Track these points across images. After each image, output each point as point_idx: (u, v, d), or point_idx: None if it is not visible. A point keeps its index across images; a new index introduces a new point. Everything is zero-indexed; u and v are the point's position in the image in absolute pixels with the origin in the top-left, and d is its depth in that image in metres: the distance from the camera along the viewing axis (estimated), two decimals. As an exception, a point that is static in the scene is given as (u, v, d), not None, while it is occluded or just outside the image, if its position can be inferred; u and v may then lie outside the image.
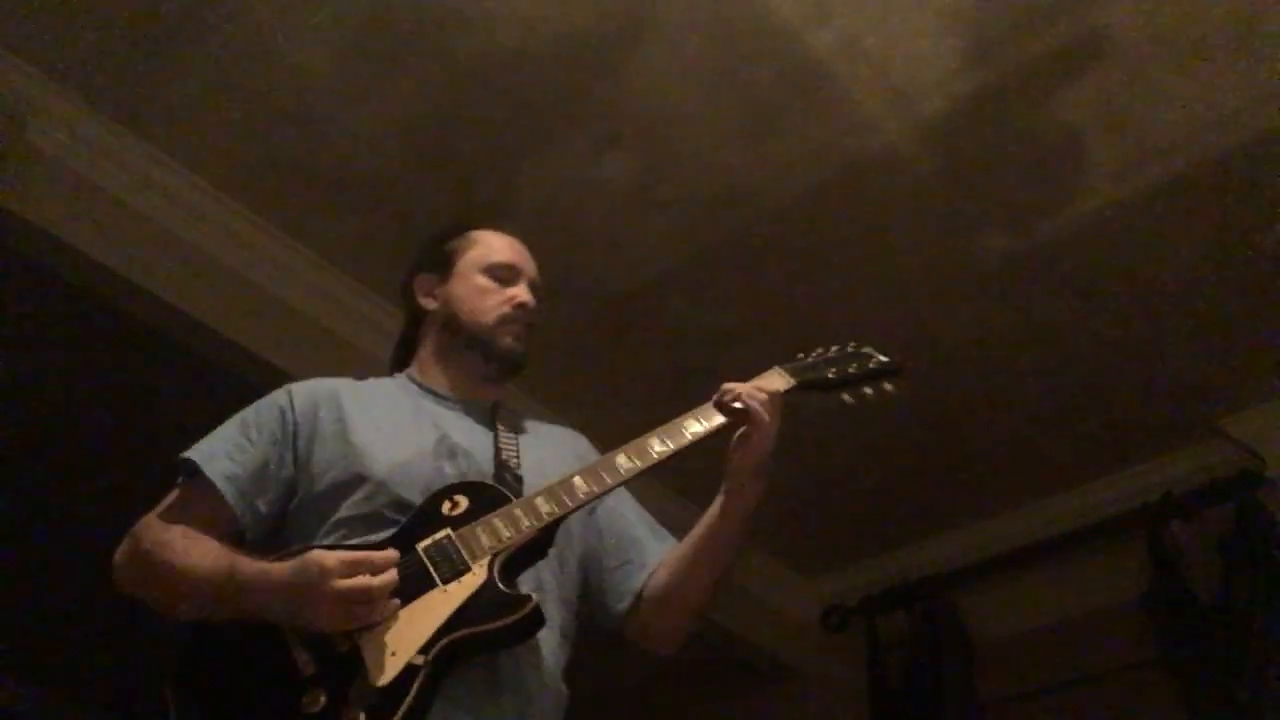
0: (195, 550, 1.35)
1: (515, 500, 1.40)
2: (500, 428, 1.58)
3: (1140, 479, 3.36)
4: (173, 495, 1.45)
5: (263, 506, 1.43)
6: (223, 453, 1.44)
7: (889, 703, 3.60)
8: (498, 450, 1.52)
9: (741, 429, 1.47)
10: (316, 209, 2.76)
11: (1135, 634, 3.17)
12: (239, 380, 2.90)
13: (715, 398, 1.49)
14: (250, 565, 1.31)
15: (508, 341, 1.61)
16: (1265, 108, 2.40)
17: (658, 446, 1.46)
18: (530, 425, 1.67)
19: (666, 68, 2.40)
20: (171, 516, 1.42)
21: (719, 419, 1.49)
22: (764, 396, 1.45)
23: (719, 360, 3.08)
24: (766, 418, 1.44)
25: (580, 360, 3.16)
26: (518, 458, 1.52)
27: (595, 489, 1.41)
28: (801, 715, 3.91)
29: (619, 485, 1.44)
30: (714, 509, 1.51)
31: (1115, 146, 2.52)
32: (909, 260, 2.83)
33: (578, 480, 1.42)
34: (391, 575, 1.26)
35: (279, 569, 1.29)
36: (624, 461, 1.44)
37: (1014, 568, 3.53)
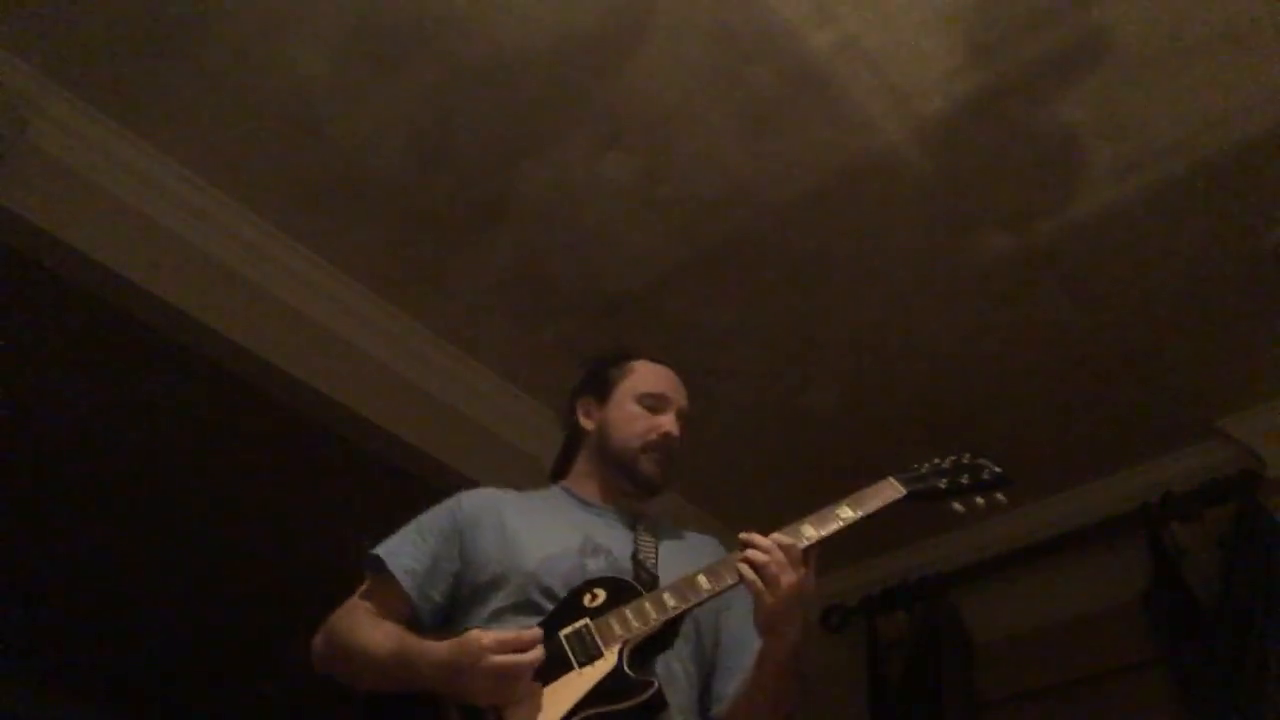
0: (377, 632, 1.57)
1: (645, 594, 1.56)
2: (641, 531, 1.75)
3: (1140, 479, 3.36)
4: (362, 588, 1.69)
5: (436, 596, 1.65)
6: (403, 550, 1.68)
7: (889, 702, 3.60)
8: (636, 550, 1.70)
9: None
10: (316, 208, 2.76)
11: (1135, 634, 3.17)
12: (238, 380, 2.91)
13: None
14: (417, 644, 1.52)
15: (649, 468, 1.79)
16: (1265, 108, 2.40)
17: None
18: (670, 531, 1.83)
19: (666, 68, 2.40)
20: (360, 605, 1.65)
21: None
22: (769, 566, 1.49)
23: (719, 360, 3.08)
24: (763, 587, 1.49)
25: (580, 360, 3.16)
26: (655, 558, 1.69)
27: (716, 586, 1.54)
28: (801, 715, 3.91)
29: (738, 584, 1.53)
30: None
31: (1115, 146, 2.53)
32: (909, 260, 2.83)
33: (701, 578, 1.55)
34: (538, 653, 1.43)
35: (440, 647, 1.48)
36: (729, 575, 1.55)
37: (1014, 568, 3.53)
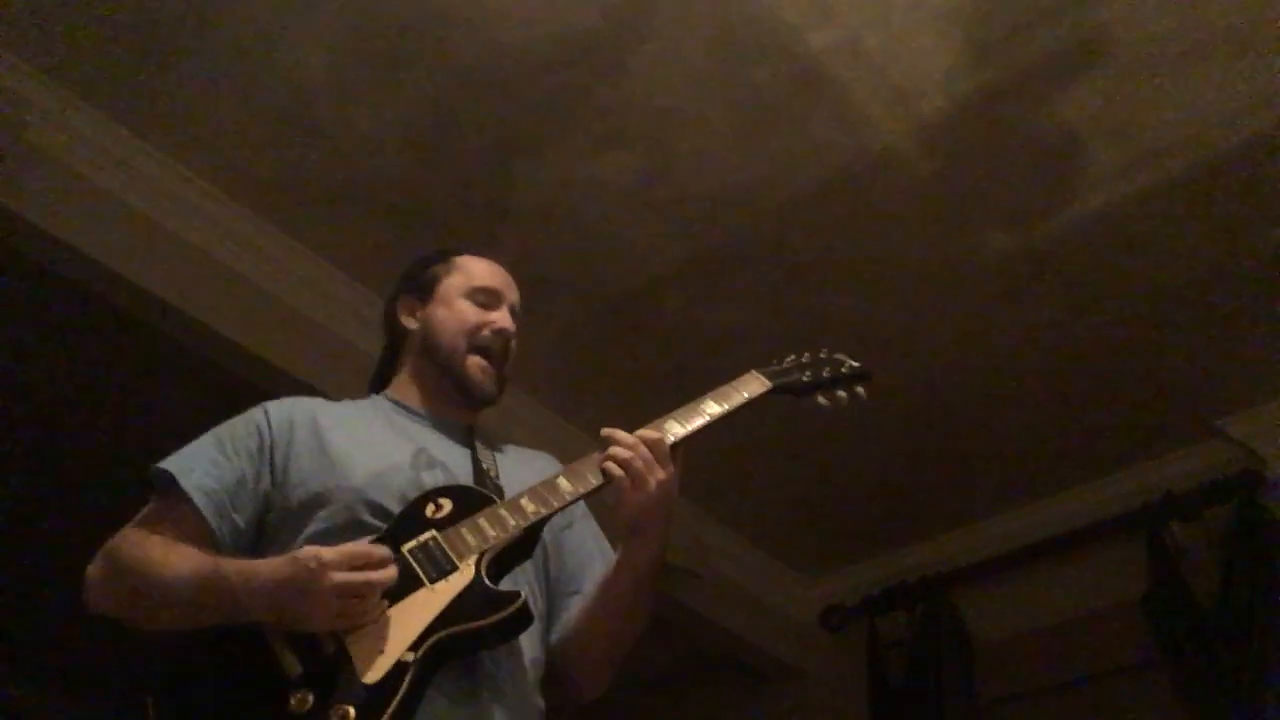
0: (174, 555, 1.34)
1: (500, 502, 1.41)
2: (477, 445, 1.59)
3: (1140, 479, 3.37)
4: (147, 509, 1.44)
5: (240, 521, 1.41)
6: (199, 467, 1.43)
7: (889, 703, 3.60)
8: (476, 463, 1.54)
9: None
10: (316, 208, 2.76)
11: (1135, 634, 3.17)
12: (238, 379, 2.90)
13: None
14: (235, 564, 1.30)
15: (478, 375, 1.61)
16: (1265, 108, 2.40)
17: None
18: (505, 447, 1.68)
19: (666, 68, 2.40)
20: (147, 529, 1.40)
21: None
22: (634, 462, 1.39)
23: (718, 360, 3.07)
24: (630, 484, 1.38)
25: (580, 360, 3.17)
26: (496, 471, 1.54)
27: (579, 488, 1.42)
28: (801, 715, 3.91)
29: (605, 484, 1.42)
30: (612, 561, 1.49)
31: (1115, 146, 2.53)
32: (909, 260, 2.83)
33: (563, 480, 1.43)
34: (392, 571, 1.26)
35: (269, 564, 1.28)
36: (593, 475, 1.43)
37: (1014, 568, 3.54)
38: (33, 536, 3.80)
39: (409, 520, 1.37)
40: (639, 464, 1.38)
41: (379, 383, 1.72)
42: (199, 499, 1.39)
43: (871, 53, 2.35)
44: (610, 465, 1.39)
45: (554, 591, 1.55)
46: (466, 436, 1.61)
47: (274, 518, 1.43)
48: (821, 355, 1.72)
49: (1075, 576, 3.42)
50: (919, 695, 3.50)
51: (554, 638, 1.52)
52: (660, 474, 1.39)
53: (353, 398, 1.68)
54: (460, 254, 1.78)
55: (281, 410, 1.54)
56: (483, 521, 1.37)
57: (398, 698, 1.21)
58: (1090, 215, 2.67)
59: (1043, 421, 3.27)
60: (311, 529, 1.39)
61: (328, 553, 1.24)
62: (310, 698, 1.21)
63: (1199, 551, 3.17)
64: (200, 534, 1.38)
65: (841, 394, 1.69)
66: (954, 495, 3.56)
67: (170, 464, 1.44)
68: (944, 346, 3.03)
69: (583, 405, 3.28)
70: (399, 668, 1.23)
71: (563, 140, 2.57)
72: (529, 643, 1.42)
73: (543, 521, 1.40)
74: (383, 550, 1.28)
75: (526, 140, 2.57)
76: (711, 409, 1.52)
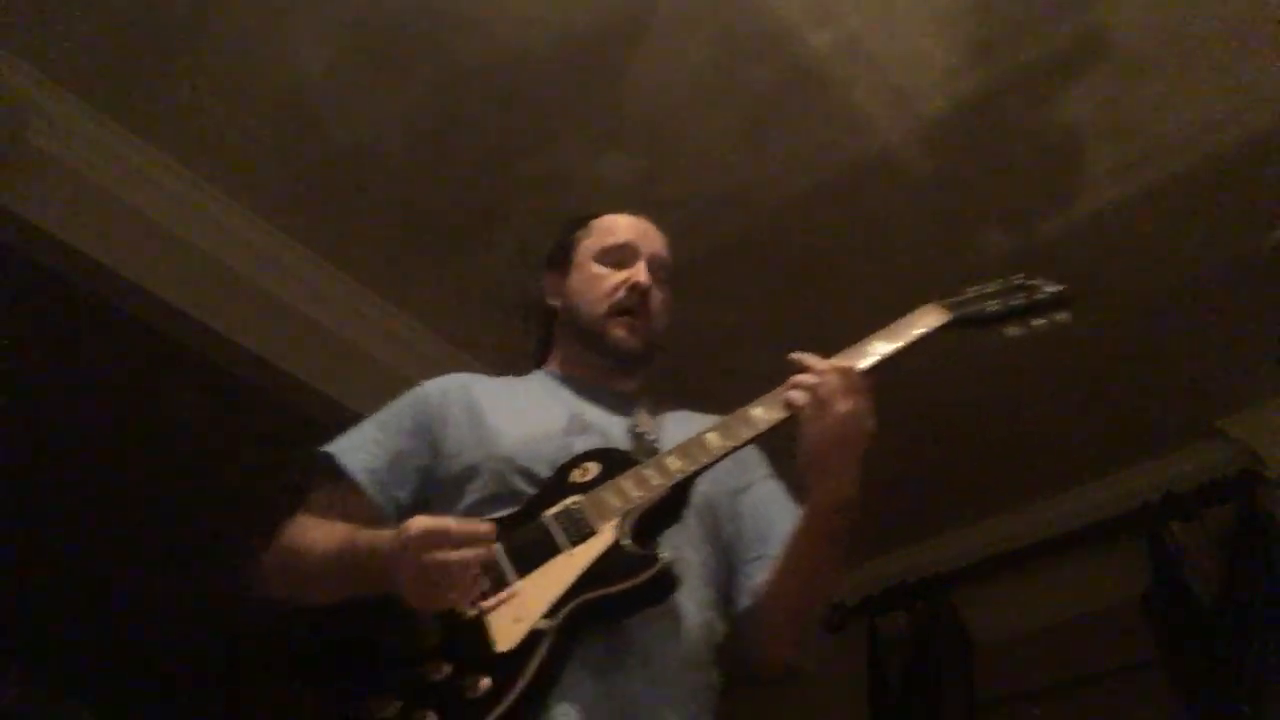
0: (322, 533, 1.35)
1: (646, 461, 1.32)
2: (640, 410, 1.50)
3: (1140, 479, 3.37)
4: (315, 494, 1.44)
5: (402, 496, 1.41)
6: (361, 447, 1.44)
7: (889, 703, 3.60)
8: (634, 425, 1.45)
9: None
10: (316, 208, 2.76)
11: (1135, 634, 3.17)
12: (237, 379, 2.91)
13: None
14: (366, 535, 1.28)
15: (619, 334, 1.53)
16: (1265, 108, 2.40)
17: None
18: (674, 411, 1.57)
19: (666, 68, 2.40)
20: (312, 513, 1.41)
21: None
22: (821, 387, 1.27)
23: (719, 360, 3.07)
24: (816, 413, 1.26)
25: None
26: (656, 434, 1.43)
27: (730, 443, 1.31)
28: (801, 715, 3.91)
29: (757, 436, 1.31)
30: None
31: (1115, 146, 2.53)
32: (909, 260, 2.83)
33: (711, 436, 1.32)
34: (475, 552, 1.18)
35: (384, 535, 1.23)
36: (761, 413, 1.32)
37: (1014, 568, 3.53)
38: (33, 536, 3.80)
39: (554, 486, 1.34)
40: (824, 390, 1.26)
41: (538, 361, 1.68)
42: (362, 477, 1.39)
43: (871, 53, 2.35)
44: (794, 393, 1.28)
45: (734, 557, 1.45)
46: (628, 402, 1.53)
47: (434, 491, 1.42)
48: (1015, 280, 1.57)
49: (1075, 576, 3.42)
50: (919, 695, 3.49)
51: (741, 605, 1.42)
52: (846, 403, 1.26)
53: (516, 374, 1.64)
54: (600, 215, 1.71)
55: (439, 386, 1.54)
56: (626, 483, 1.30)
57: (533, 666, 1.17)
58: (1090, 215, 2.67)
59: (1043, 421, 3.27)
60: (467, 501, 1.37)
61: (416, 524, 1.17)
62: (446, 667, 1.20)
63: (1199, 551, 3.17)
64: (367, 512, 1.37)
65: (1038, 322, 1.53)
66: (954, 495, 3.56)
67: (333, 446, 1.44)
68: (944, 347, 3.02)
69: (583, 405, 3.28)
70: (534, 636, 1.19)
71: (563, 140, 2.57)
72: (694, 610, 1.33)
73: (689, 479, 1.30)
74: (475, 528, 1.20)
75: (526, 140, 2.57)
76: (880, 348, 1.39)
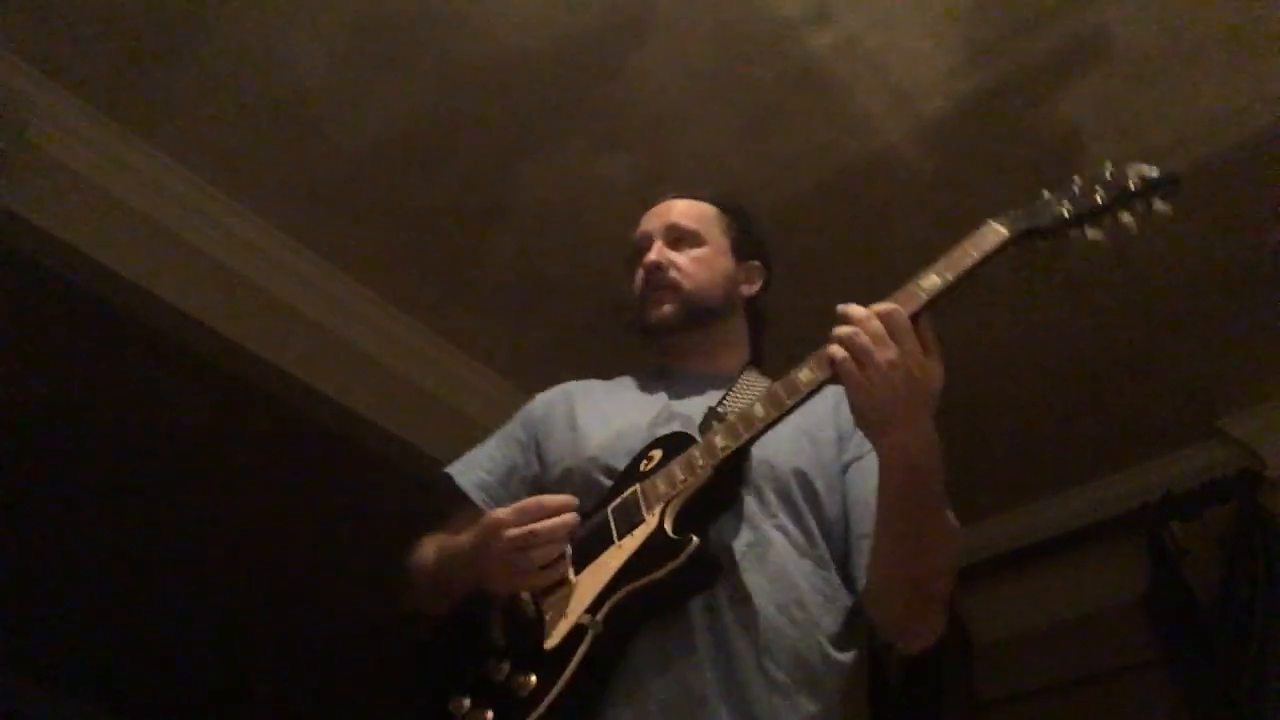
0: (431, 546, 1.42)
1: (698, 442, 1.27)
2: (737, 386, 1.44)
3: (1140, 479, 3.36)
4: (448, 515, 1.49)
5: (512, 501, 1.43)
6: (478, 464, 1.51)
7: (889, 703, 3.60)
8: (717, 404, 1.38)
9: None
10: (316, 208, 2.76)
11: (1135, 634, 3.17)
12: (237, 379, 2.91)
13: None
14: (452, 540, 1.34)
15: (651, 316, 1.52)
16: (1265, 108, 2.40)
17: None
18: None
19: (666, 68, 2.40)
20: (443, 531, 1.46)
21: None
22: (858, 337, 1.18)
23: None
24: (857, 366, 1.16)
25: (580, 360, 3.16)
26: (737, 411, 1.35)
27: (775, 412, 1.21)
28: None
29: (803, 400, 1.21)
30: None
31: (1115, 146, 2.52)
32: (909, 260, 2.82)
33: (757, 407, 1.23)
34: (561, 520, 1.21)
35: (466, 534, 1.29)
36: (806, 375, 1.22)
37: (1014, 568, 3.53)
38: (33, 537, 3.80)
39: (624, 477, 1.32)
40: (863, 339, 1.16)
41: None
42: (475, 494, 1.46)
43: (871, 53, 2.35)
44: (832, 348, 1.18)
45: (848, 535, 1.36)
46: (726, 380, 1.47)
47: None
48: (1107, 174, 1.33)
49: (1075, 576, 3.42)
50: (919, 695, 3.49)
51: (859, 584, 1.34)
52: (888, 350, 1.16)
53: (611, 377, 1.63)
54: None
55: (545, 399, 1.57)
56: (676, 467, 1.25)
57: (573, 663, 1.14)
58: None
59: (1043, 421, 3.27)
60: None
61: (504, 510, 1.23)
62: (506, 666, 1.20)
63: (1199, 551, 3.17)
64: None
65: (1128, 217, 1.31)
66: (953, 495, 3.54)
67: (451, 467, 1.52)
68: (944, 346, 3.02)
69: (583, 405, 3.28)
70: (576, 631, 1.17)
71: (563, 140, 2.57)
72: (778, 593, 1.26)
73: (732, 457, 1.23)
74: (559, 499, 1.24)
75: (526, 140, 2.57)
76: (931, 284, 1.27)
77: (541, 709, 1.13)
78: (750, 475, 1.32)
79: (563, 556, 1.24)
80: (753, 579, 1.25)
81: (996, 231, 1.31)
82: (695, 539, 1.16)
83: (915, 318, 1.23)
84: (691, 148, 2.57)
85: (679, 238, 1.57)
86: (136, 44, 2.36)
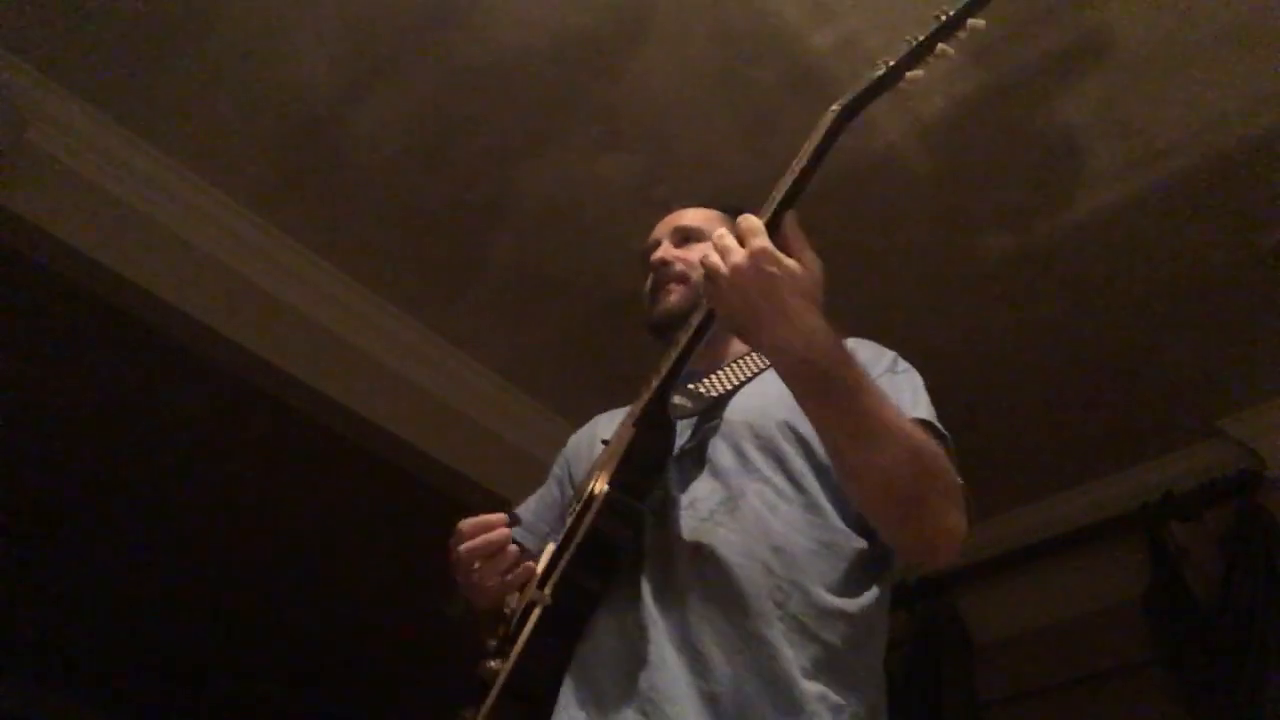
0: None
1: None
2: (724, 370, 1.45)
3: (1140, 479, 3.36)
4: None
5: (547, 530, 1.53)
6: (526, 505, 1.61)
7: (889, 702, 3.59)
8: (695, 387, 1.39)
9: None
10: (316, 208, 2.76)
11: (1135, 634, 3.17)
12: (238, 379, 2.91)
13: None
14: None
15: (657, 309, 1.55)
16: (1265, 108, 2.40)
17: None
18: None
19: (666, 68, 2.40)
20: None
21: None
22: (711, 256, 1.17)
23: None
24: (713, 275, 1.16)
25: (580, 360, 3.16)
26: (722, 385, 1.39)
27: (674, 353, 1.28)
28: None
29: (694, 338, 1.25)
30: None
31: (1115, 146, 2.52)
32: (909, 260, 2.83)
33: (664, 358, 1.31)
34: (483, 538, 1.30)
35: None
36: (696, 318, 1.28)
37: (1014, 568, 3.53)
38: (34, 536, 3.80)
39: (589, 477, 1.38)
40: (712, 255, 1.16)
41: None
42: (515, 532, 1.45)
43: (871, 53, 2.33)
44: (695, 269, 1.24)
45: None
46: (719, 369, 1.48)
47: None
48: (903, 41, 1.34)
49: (1075, 576, 3.42)
50: (919, 695, 3.49)
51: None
52: (736, 255, 1.14)
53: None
54: None
55: (578, 432, 1.66)
56: (613, 439, 1.32)
57: (523, 637, 1.20)
58: (1090, 215, 2.67)
59: (1043, 421, 3.27)
60: None
61: (465, 523, 1.34)
62: (494, 664, 1.25)
63: (1199, 551, 3.17)
64: (526, 554, 1.44)
65: (942, 46, 1.35)
66: (954, 495, 3.55)
67: (521, 507, 1.59)
68: (944, 346, 3.03)
69: (583, 405, 3.27)
70: (527, 608, 1.24)
71: (563, 140, 2.57)
72: (756, 546, 1.24)
73: (652, 403, 1.27)
74: (475, 520, 1.33)
75: (526, 140, 2.57)
76: (781, 183, 1.24)
77: (497, 688, 1.18)
78: (733, 438, 1.33)
79: (520, 560, 1.33)
80: (721, 534, 1.24)
81: (830, 112, 1.27)
82: (608, 487, 1.19)
83: (776, 219, 1.20)
84: (691, 148, 2.57)
85: (685, 237, 1.63)
86: (137, 44, 2.36)
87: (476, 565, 1.31)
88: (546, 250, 2.85)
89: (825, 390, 1.16)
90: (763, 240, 1.15)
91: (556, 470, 1.63)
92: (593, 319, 3.04)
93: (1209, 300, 2.85)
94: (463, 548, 1.32)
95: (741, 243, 1.15)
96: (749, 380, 1.41)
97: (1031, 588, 3.51)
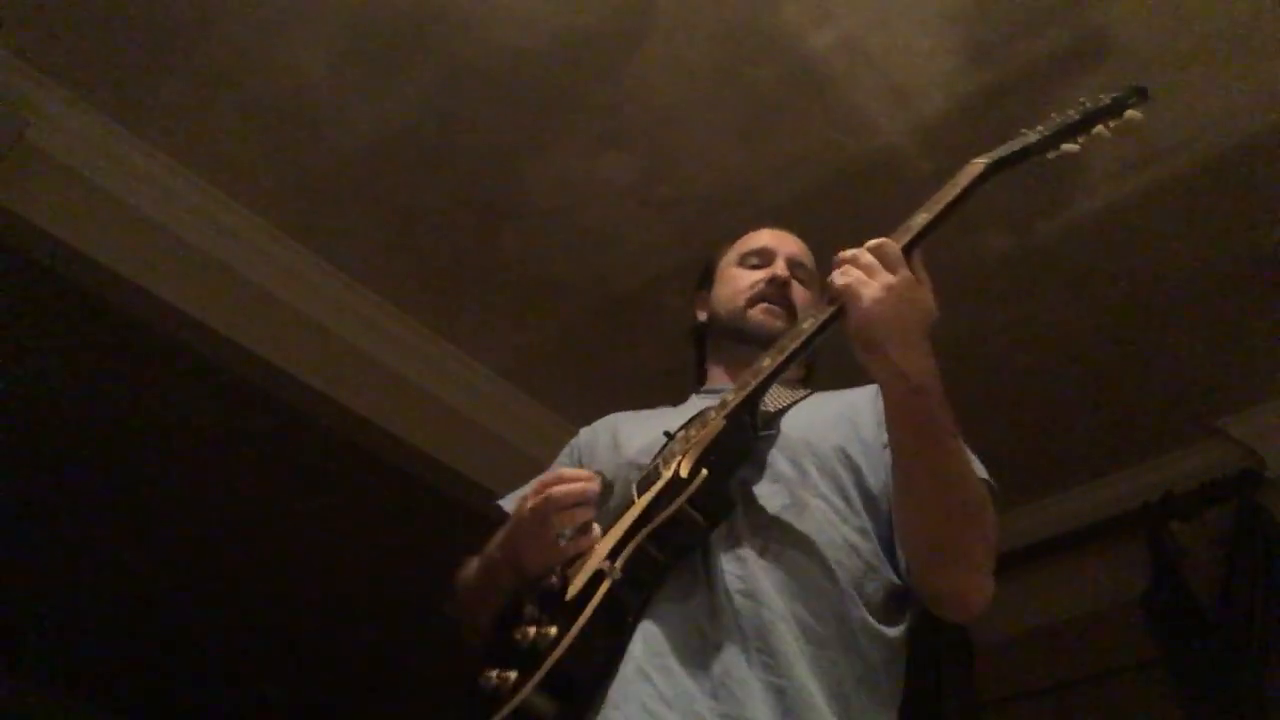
0: (474, 558, 1.48)
1: (716, 406, 1.31)
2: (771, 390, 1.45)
3: (1140, 479, 3.36)
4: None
5: None
6: (524, 492, 1.51)
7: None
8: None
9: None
10: (316, 208, 2.76)
11: (1135, 634, 3.17)
12: (238, 378, 2.91)
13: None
14: (495, 537, 1.42)
15: (757, 318, 1.56)
16: (1265, 108, 2.40)
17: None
18: (822, 393, 1.53)
19: (666, 68, 2.40)
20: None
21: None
22: (854, 267, 1.25)
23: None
24: (855, 292, 1.22)
25: (580, 360, 3.17)
26: (776, 404, 1.40)
27: (780, 358, 1.28)
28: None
29: (808, 342, 1.28)
30: None
31: (1115, 146, 2.52)
32: (909, 260, 2.83)
33: (764, 360, 1.30)
34: (578, 485, 1.26)
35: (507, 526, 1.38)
36: (809, 322, 1.30)
37: (1014, 568, 3.53)
38: (33, 536, 3.80)
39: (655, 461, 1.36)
40: (856, 270, 1.23)
41: (697, 384, 1.71)
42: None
43: (871, 53, 2.35)
44: (833, 276, 1.25)
45: (891, 510, 1.36)
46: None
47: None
48: (1078, 103, 1.45)
49: (1075, 576, 3.42)
50: (919, 695, 3.49)
51: (904, 567, 1.35)
52: (884, 276, 1.22)
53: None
54: (743, 234, 1.76)
55: (591, 426, 1.63)
56: (693, 429, 1.31)
57: (591, 606, 1.16)
58: (1090, 215, 2.67)
59: (1042, 421, 3.27)
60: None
61: (532, 487, 1.31)
62: (531, 630, 1.22)
63: (1199, 551, 3.17)
64: None
65: (1100, 129, 1.43)
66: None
67: (504, 499, 1.55)
68: (944, 346, 3.02)
69: (583, 405, 3.27)
70: (595, 578, 1.19)
71: (563, 140, 2.57)
72: (817, 549, 1.26)
73: (741, 405, 1.28)
74: (576, 470, 1.31)
75: (526, 140, 2.57)
76: (921, 219, 1.35)
77: (560, 650, 1.14)
78: (791, 451, 1.35)
79: (589, 526, 1.28)
80: (790, 535, 1.26)
81: (976, 165, 1.38)
82: (705, 470, 1.19)
83: (908, 251, 1.30)
84: (691, 148, 2.57)
85: (798, 269, 1.66)
86: (137, 44, 2.37)
87: (558, 514, 1.26)
88: (547, 250, 2.85)
89: (926, 423, 1.21)
90: (907, 271, 1.24)
91: (565, 460, 1.59)
92: (593, 319, 3.04)
93: (1209, 300, 2.84)
94: (559, 489, 1.26)
95: (885, 264, 1.24)
96: (797, 401, 1.43)
97: (1031, 588, 3.51)
